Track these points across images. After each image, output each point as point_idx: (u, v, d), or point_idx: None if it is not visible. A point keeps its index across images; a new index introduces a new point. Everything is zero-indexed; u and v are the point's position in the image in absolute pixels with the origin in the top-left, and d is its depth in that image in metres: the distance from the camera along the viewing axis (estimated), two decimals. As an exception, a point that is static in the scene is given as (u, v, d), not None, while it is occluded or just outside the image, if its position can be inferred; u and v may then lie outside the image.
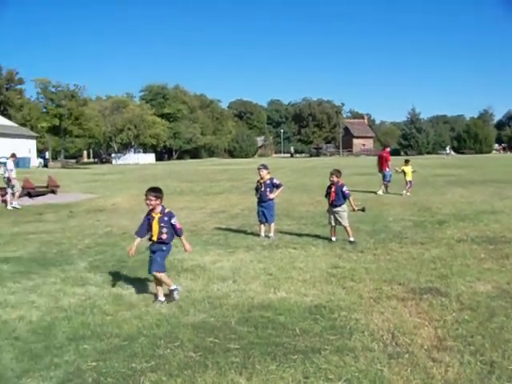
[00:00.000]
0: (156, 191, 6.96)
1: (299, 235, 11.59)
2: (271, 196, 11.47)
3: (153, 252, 7.05)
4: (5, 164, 21.00)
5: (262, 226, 11.62)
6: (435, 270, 8.13)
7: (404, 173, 21.30)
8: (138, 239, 7.12)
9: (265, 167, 11.64)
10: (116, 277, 8.13)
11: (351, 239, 10.58)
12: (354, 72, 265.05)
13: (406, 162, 21.99)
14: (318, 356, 4.88)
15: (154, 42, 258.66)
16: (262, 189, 11.46)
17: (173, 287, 6.96)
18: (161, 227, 6.86)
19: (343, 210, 10.78)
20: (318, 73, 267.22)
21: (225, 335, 5.48)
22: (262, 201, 11.50)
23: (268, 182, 11.51)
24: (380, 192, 21.14)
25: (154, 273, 6.89)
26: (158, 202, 6.89)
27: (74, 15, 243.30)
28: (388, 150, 23.43)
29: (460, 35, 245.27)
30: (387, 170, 21.77)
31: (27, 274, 8.42)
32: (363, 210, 11.31)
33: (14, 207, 18.98)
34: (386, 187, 21.69)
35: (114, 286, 7.60)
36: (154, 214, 6.90)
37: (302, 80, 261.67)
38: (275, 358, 4.86)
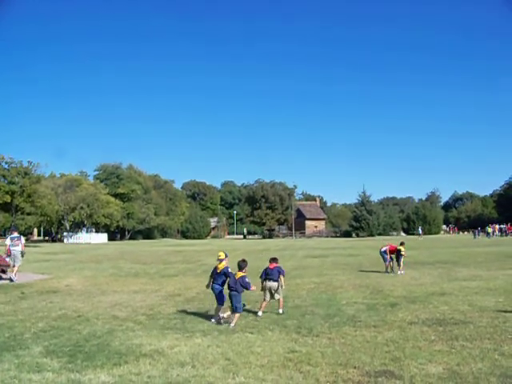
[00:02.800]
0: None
1: (255, 319, 11.70)
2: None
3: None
4: (19, 238, 21.95)
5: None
6: (389, 353, 8.36)
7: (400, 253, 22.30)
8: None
9: (226, 255, 12.05)
10: (73, 362, 8.05)
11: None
12: (306, 155, 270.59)
13: (402, 243, 23.15)
14: None
15: (108, 122, 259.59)
16: (218, 272, 11.74)
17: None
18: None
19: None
20: (272, 155, 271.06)
21: (186, 421, 5.54)
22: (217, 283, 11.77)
23: (225, 269, 11.74)
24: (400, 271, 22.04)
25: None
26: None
27: (28, 91, 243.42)
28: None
29: (405, 123, 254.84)
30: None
31: (-22, 361, 8.21)
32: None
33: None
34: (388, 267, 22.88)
35: (71, 371, 7.53)
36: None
37: (255, 162, 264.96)
38: None
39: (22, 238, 22.37)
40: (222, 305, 11.76)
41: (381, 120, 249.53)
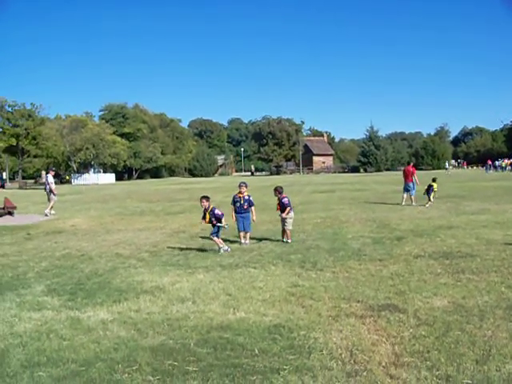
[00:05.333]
0: (207, 197, 12.19)
1: (259, 254, 11.58)
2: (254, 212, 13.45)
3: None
4: (47, 178, 25.35)
5: (241, 233, 13.27)
6: (393, 287, 8.21)
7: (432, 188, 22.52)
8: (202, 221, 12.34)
9: (246, 185, 13.71)
10: (74, 300, 7.98)
11: (288, 240, 13.16)
12: (313, 90, 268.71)
13: (434, 180, 23.37)
14: (277, 376, 4.88)
15: (113, 61, 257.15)
16: (242, 201, 13.29)
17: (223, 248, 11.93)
18: (210, 216, 11.94)
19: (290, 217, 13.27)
20: (279, 91, 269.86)
21: (183, 357, 5.43)
22: (241, 212, 13.26)
23: (246, 197, 13.37)
24: (414, 203, 22.79)
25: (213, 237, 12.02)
26: (208, 203, 11.98)
27: (34, 35, 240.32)
28: (412, 164, 25.89)
29: (415, 55, 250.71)
30: (412, 182, 23.71)
31: (-19, 300, 8.18)
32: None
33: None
34: (411, 199, 23.31)
35: (71, 309, 7.45)
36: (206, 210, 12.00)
37: (262, 98, 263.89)
38: (234, 380, 4.83)
39: (48, 178, 25.03)
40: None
41: (391, 55, 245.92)
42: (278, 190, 13.57)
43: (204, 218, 12.18)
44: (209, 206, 12.10)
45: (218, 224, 12.00)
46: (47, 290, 8.75)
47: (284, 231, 13.35)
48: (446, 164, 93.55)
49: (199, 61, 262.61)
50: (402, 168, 27.04)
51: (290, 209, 13.34)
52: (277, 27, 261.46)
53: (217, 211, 12.10)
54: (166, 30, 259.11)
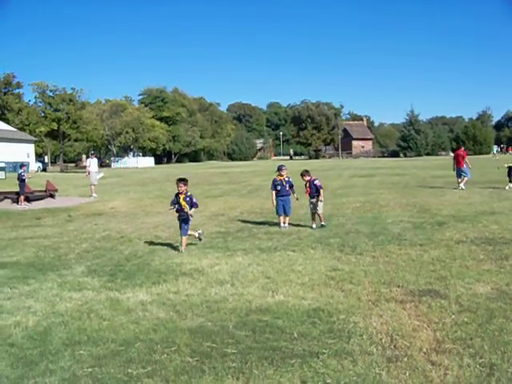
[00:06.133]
0: (185, 180, 10.80)
1: (298, 238, 11.54)
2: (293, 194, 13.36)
3: (183, 220, 10.64)
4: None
5: (281, 217, 13.18)
6: (434, 272, 8.07)
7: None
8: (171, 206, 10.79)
9: (285, 167, 13.76)
10: (113, 281, 8.10)
11: (323, 223, 12.92)
12: (353, 74, 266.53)
13: None
14: (316, 360, 4.83)
15: (153, 45, 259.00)
16: (284, 183, 13.22)
17: (197, 233, 11.17)
18: (187, 202, 10.52)
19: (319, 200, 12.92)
20: (318, 75, 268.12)
21: (222, 340, 5.43)
22: (282, 195, 13.17)
23: (287, 178, 13.33)
24: (462, 186, 22.59)
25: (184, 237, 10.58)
26: (185, 187, 10.63)
27: (72, 19, 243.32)
28: (463, 148, 25.31)
29: (458, 37, 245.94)
30: (464, 166, 23.33)
31: (24, 279, 8.37)
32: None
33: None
34: (464, 182, 23.02)
35: (111, 290, 7.55)
36: (181, 195, 10.55)
37: (301, 82, 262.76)
38: (272, 363, 4.81)
39: (88, 162, 26.49)
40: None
41: (434, 40, 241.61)
42: (304, 174, 13.20)
43: (175, 203, 10.70)
44: (186, 192, 10.73)
45: (190, 212, 10.59)
46: (87, 271, 8.91)
47: (314, 216, 13.04)
48: (494, 149, 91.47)
49: (238, 44, 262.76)
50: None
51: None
52: (315, 13, 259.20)
53: (195, 200, 10.87)
54: (205, 13, 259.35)
